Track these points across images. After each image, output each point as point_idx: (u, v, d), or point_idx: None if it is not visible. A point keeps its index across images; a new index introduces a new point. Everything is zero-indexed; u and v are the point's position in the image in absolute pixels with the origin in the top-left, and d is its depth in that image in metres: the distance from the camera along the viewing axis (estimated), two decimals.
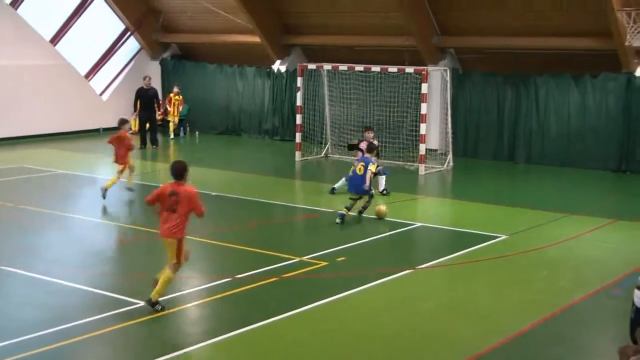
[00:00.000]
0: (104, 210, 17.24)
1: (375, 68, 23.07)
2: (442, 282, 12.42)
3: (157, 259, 13.68)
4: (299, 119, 24.56)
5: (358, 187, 16.07)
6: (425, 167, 21.98)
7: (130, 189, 18.39)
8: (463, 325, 10.40)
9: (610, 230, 15.69)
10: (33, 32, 27.79)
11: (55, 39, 28.76)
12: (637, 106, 21.94)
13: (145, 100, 26.51)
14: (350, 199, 16.14)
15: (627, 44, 20.13)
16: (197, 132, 29.91)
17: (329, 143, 25.22)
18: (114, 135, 18.58)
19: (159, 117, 27.64)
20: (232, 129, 29.72)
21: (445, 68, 23.87)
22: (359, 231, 15.41)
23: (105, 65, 30.66)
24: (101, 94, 30.57)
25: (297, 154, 24.13)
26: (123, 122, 18.78)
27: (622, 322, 8.72)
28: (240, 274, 12.23)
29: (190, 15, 29.61)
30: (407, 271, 12.65)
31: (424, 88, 21.90)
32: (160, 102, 28.30)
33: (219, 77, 30.08)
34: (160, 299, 10.56)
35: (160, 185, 11.39)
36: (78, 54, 29.50)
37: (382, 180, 18.70)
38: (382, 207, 16.26)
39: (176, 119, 29.14)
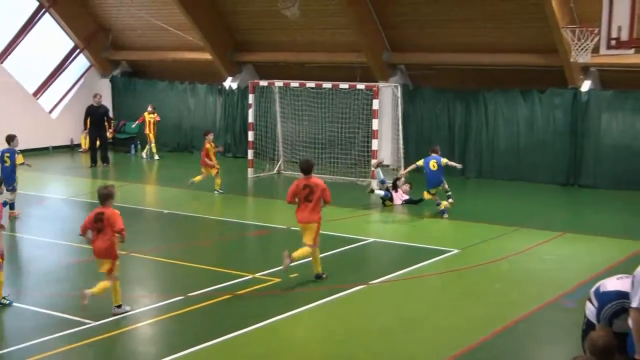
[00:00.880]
0: (54, 229, 16.99)
1: (327, 84, 23.17)
2: (394, 298, 12.47)
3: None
4: (251, 135, 24.52)
5: (436, 181, 18.07)
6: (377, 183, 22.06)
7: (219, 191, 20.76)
8: (415, 341, 10.45)
9: (559, 243, 15.92)
10: None
11: (2, 57, 28.37)
12: (584, 121, 22.35)
13: (96, 117, 26.23)
14: (431, 194, 18.21)
15: (572, 60, 20.50)
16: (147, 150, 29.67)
17: (281, 159, 25.22)
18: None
19: (109, 134, 27.33)
20: (183, 146, 29.56)
21: (396, 84, 24.06)
22: None
23: (54, 82, 30.32)
24: (50, 111, 30.21)
25: (250, 171, 24.09)
26: (207, 132, 21.57)
27: (574, 333, 8.83)
28: (192, 291, 12.14)
29: (141, 33, 29.46)
30: (360, 287, 12.69)
31: (375, 104, 22.04)
32: (112, 119, 28.03)
33: (170, 94, 29.91)
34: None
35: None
36: (26, 71, 29.13)
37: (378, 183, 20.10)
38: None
39: (151, 137, 27.90)
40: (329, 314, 11.52)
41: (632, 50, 14.72)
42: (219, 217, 18.22)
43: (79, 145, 30.21)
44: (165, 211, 18.80)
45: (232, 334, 10.33)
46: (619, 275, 7.82)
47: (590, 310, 7.87)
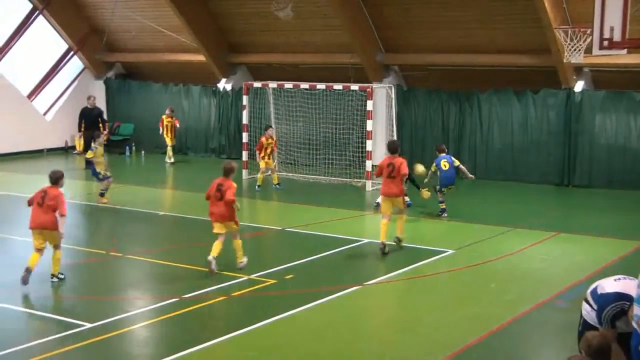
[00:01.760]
0: None
1: (321, 86, 23.20)
2: (389, 299, 12.50)
3: (101, 280, 13.57)
4: (245, 137, 24.52)
5: (449, 179, 18.15)
6: (372, 183, 22.10)
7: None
8: (410, 341, 10.47)
9: (552, 243, 15.97)
10: None
11: None
12: (577, 121, 22.43)
13: (90, 119, 26.24)
14: (443, 193, 18.25)
15: (565, 60, 20.57)
16: (142, 152, 29.66)
17: (275, 160, 25.22)
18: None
19: (104, 136, 27.21)
20: (178, 147, 29.54)
21: (390, 85, 24.10)
22: (307, 248, 15.42)
23: (49, 85, 30.29)
24: (45, 114, 30.18)
25: (244, 172, 24.09)
26: (267, 127, 22.48)
27: (568, 333, 8.88)
28: (188, 293, 12.15)
29: (135, 35, 29.45)
30: (355, 287, 12.71)
31: (369, 105, 22.07)
32: (106, 121, 27.98)
33: (164, 96, 29.89)
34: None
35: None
36: (20, 74, 29.11)
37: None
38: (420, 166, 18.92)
39: (169, 141, 27.25)
40: (324, 314, 11.53)
41: (625, 51, 14.75)
42: None
43: (73, 147, 30.18)
44: (160, 213, 18.79)
45: (227, 335, 10.34)
46: (617, 277, 7.82)
47: (587, 311, 7.87)
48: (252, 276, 13.19)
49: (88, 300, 11.15)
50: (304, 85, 23.63)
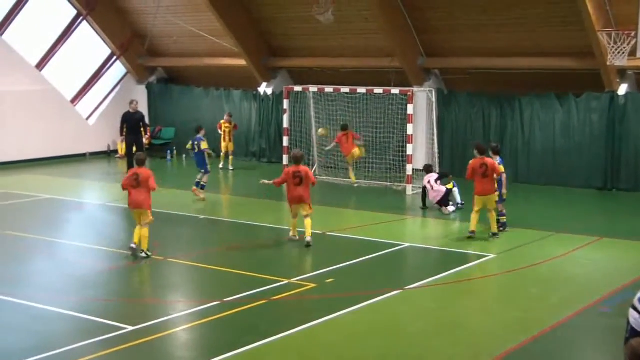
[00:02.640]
0: (91, 235, 17.17)
1: (361, 89, 23.19)
2: (430, 303, 12.43)
3: (144, 283, 13.70)
4: (285, 141, 24.60)
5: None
6: (413, 187, 22.03)
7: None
8: (451, 346, 10.40)
9: (595, 248, 15.78)
10: (19, 57, 27.82)
11: (41, 64, 28.80)
12: (621, 125, 22.14)
13: (132, 124, 26.43)
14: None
15: (609, 63, 20.32)
16: (184, 156, 29.88)
17: (316, 165, 25.26)
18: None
19: (145, 141, 27.53)
20: (219, 152, 29.70)
21: (430, 89, 24.02)
22: (348, 252, 15.41)
23: (92, 89, 30.68)
24: (87, 118, 30.56)
25: None
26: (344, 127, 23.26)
27: (611, 339, 8.75)
28: (228, 297, 12.19)
29: (176, 40, 29.70)
30: (396, 292, 12.66)
31: (410, 109, 22.01)
32: (148, 126, 28.23)
33: (205, 101, 30.13)
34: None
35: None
36: (64, 78, 29.53)
37: (456, 195, 19.82)
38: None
39: (224, 147, 27.25)
40: (364, 319, 11.50)
41: None
42: (255, 223, 18.27)
43: (115, 152, 30.55)
44: (201, 216, 18.91)
45: (266, 339, 10.34)
46: None
47: (635, 318, 7.72)
48: (293, 280, 13.21)
49: (130, 303, 11.24)
50: (345, 89, 23.64)
